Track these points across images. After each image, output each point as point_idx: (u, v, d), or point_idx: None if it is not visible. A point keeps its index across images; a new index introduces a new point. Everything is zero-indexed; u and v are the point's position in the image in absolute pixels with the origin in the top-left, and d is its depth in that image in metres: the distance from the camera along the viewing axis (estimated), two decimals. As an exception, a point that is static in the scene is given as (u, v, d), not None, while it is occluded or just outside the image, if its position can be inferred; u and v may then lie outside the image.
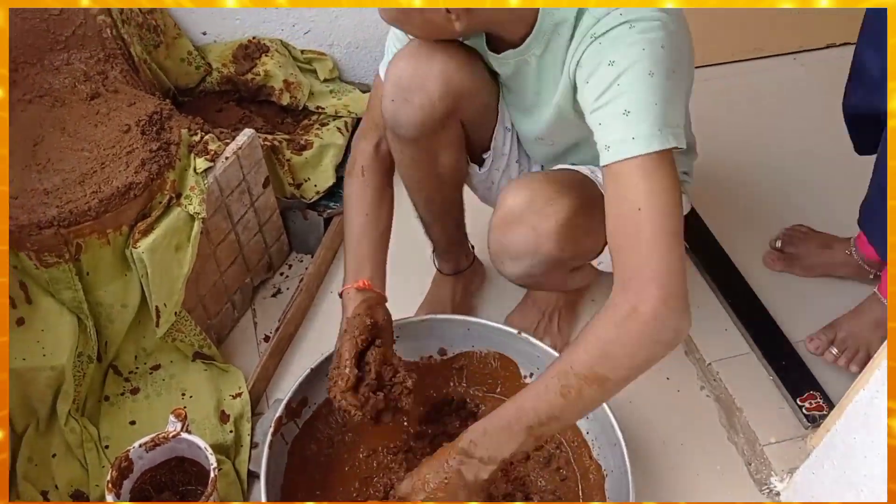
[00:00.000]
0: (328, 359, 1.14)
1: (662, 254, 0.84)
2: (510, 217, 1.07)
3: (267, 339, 1.41)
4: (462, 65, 1.05)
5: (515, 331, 1.23)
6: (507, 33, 1.00)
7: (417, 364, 1.27)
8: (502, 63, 1.04)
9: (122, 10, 1.35)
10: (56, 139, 1.21)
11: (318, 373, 1.17)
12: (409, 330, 1.24)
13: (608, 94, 0.88)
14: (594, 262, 1.18)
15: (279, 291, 1.52)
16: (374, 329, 1.07)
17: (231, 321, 1.44)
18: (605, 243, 0.91)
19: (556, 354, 1.08)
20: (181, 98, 1.57)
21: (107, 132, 1.22)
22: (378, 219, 1.15)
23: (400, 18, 0.97)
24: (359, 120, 1.62)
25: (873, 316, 1.29)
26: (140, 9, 1.44)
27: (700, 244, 1.51)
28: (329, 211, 1.55)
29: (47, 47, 1.30)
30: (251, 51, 1.61)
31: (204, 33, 1.62)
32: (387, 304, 1.13)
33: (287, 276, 1.55)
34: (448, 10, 0.91)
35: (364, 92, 1.71)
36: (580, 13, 0.93)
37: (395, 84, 1.05)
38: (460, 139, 1.15)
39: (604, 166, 0.89)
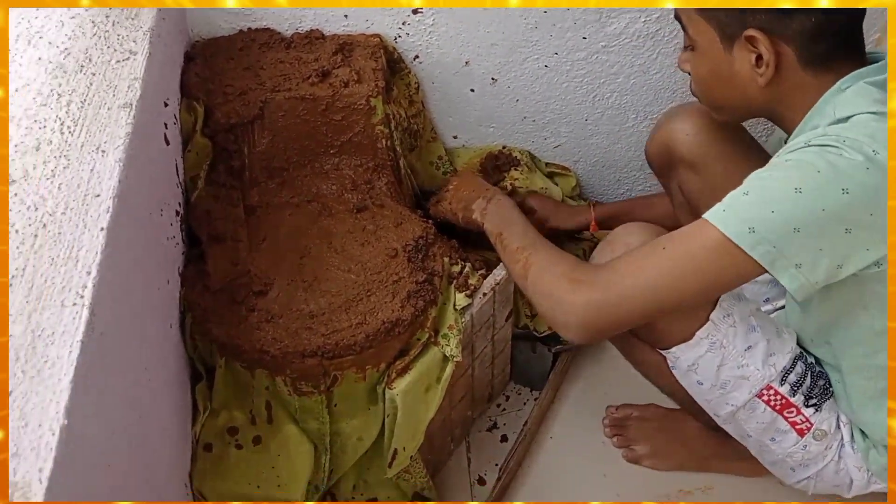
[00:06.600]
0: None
1: (637, 286, 0.89)
2: None
3: (480, 480, 1.31)
4: None
5: None
6: (786, 122, 0.97)
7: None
8: None
9: (395, 115, 1.30)
10: (322, 254, 1.16)
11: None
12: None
13: (754, 175, 0.87)
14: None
15: (495, 426, 1.41)
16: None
17: (447, 455, 1.34)
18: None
19: None
20: (423, 202, 1.51)
21: (374, 254, 1.15)
22: None
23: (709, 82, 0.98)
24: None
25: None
26: (406, 112, 1.38)
27: None
28: (559, 346, 1.44)
29: (321, 150, 1.26)
30: (501, 162, 1.53)
31: (455, 137, 1.56)
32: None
33: (504, 409, 1.44)
34: (757, 63, 0.90)
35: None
36: (831, 127, 0.87)
37: None
38: None
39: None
